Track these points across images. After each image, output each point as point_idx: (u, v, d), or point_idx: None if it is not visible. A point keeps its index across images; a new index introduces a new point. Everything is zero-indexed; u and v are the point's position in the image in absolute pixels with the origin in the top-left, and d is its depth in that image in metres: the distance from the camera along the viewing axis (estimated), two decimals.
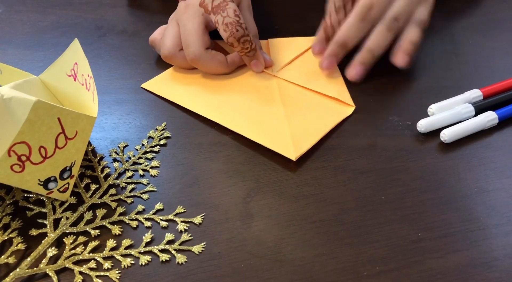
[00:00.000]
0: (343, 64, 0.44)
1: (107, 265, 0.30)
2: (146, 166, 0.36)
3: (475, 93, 0.40)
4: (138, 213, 0.33)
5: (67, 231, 0.32)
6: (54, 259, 0.30)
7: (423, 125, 0.38)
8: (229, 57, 0.43)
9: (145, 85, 0.43)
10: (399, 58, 0.41)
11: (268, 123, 0.39)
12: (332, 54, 0.41)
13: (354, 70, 0.41)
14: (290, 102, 0.41)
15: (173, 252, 0.31)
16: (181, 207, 0.33)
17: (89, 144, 0.38)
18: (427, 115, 0.40)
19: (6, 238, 0.31)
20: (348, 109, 0.41)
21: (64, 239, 0.31)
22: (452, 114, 0.38)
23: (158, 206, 0.33)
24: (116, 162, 0.37)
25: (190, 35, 0.41)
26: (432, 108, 0.39)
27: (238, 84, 0.43)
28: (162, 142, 0.38)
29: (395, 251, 0.31)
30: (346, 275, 0.29)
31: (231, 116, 0.40)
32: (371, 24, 0.41)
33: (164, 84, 0.43)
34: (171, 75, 0.44)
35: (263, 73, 0.44)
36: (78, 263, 0.30)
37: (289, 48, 0.47)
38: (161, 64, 0.46)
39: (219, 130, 0.39)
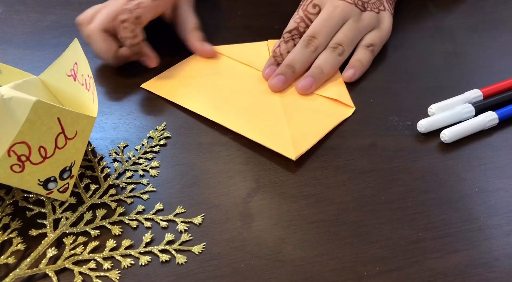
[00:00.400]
0: (342, 67, 0.44)
1: (107, 265, 0.30)
2: (146, 166, 0.36)
3: (475, 93, 0.40)
4: (138, 213, 0.33)
5: (67, 231, 0.32)
6: (54, 260, 0.30)
7: (423, 125, 0.38)
8: (120, 49, 0.44)
9: (145, 85, 0.43)
10: (346, 73, 0.43)
11: (268, 123, 0.39)
12: (280, 73, 0.42)
13: (303, 81, 0.42)
14: (290, 103, 0.41)
15: (173, 252, 0.31)
16: (181, 207, 0.33)
17: (89, 144, 0.38)
18: (427, 115, 0.39)
19: (6, 238, 0.31)
20: (348, 110, 0.41)
21: (64, 239, 0.31)
22: (452, 114, 0.38)
23: (158, 206, 0.33)
24: (116, 162, 0.37)
25: (100, 14, 0.42)
26: (432, 108, 0.39)
27: (239, 84, 0.43)
28: (162, 142, 0.38)
29: (395, 251, 0.31)
30: (346, 275, 0.29)
31: (231, 116, 0.40)
32: (316, 51, 0.43)
33: (164, 84, 0.43)
34: (171, 75, 0.44)
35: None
36: (78, 263, 0.30)
37: None
38: (161, 64, 0.46)
39: (219, 130, 0.39)
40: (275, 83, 0.42)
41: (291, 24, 0.45)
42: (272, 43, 0.47)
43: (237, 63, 0.46)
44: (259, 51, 0.47)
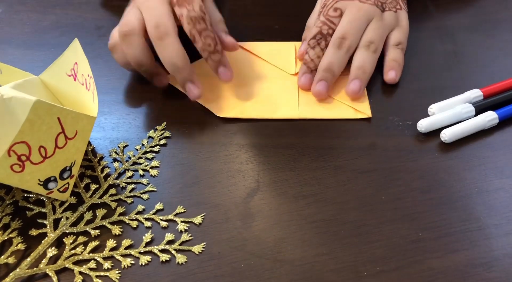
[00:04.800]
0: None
1: (107, 265, 0.30)
2: (146, 166, 0.36)
3: (475, 93, 0.40)
4: (138, 213, 0.33)
5: (67, 231, 0.32)
6: (54, 259, 0.30)
7: (423, 125, 0.38)
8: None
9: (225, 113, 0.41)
10: (387, 76, 0.43)
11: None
12: (321, 79, 0.42)
13: (352, 84, 0.42)
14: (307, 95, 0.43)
15: (173, 252, 0.31)
16: (181, 207, 0.33)
17: (89, 143, 0.38)
18: (427, 115, 0.40)
19: (6, 238, 0.31)
20: (362, 115, 0.41)
21: (64, 239, 0.31)
22: (453, 114, 0.38)
23: (158, 206, 0.33)
24: (116, 162, 0.37)
25: (161, 17, 0.39)
26: (432, 108, 0.39)
27: (267, 80, 0.44)
28: (162, 141, 0.38)
29: (395, 251, 0.31)
30: (346, 275, 0.29)
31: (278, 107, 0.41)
32: (348, 52, 0.43)
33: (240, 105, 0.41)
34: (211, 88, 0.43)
35: (284, 75, 0.45)
36: (78, 263, 0.30)
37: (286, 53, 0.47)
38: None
39: (219, 130, 0.39)
40: (319, 90, 0.41)
41: (314, 30, 0.44)
42: (299, 45, 0.47)
43: (261, 61, 0.46)
44: (286, 52, 0.47)
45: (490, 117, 0.38)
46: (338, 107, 0.41)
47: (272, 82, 0.44)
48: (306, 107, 0.41)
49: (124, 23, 0.40)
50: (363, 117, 0.40)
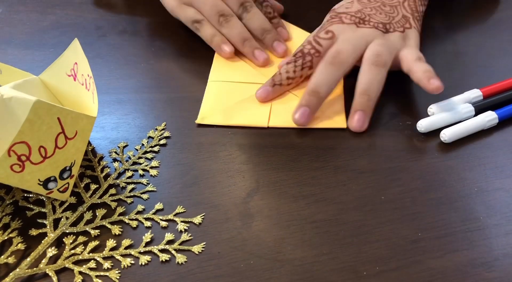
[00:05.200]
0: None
1: (107, 265, 0.30)
2: (146, 165, 0.36)
3: (475, 93, 0.40)
4: (138, 213, 0.33)
5: (67, 231, 0.32)
6: (54, 259, 0.30)
7: (423, 125, 0.38)
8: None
9: (200, 120, 0.40)
10: (430, 84, 0.38)
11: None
12: (303, 105, 0.38)
13: (355, 119, 0.38)
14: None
15: (173, 252, 0.31)
16: (181, 207, 0.33)
17: (89, 143, 0.38)
18: (427, 115, 0.40)
19: (6, 238, 0.31)
20: (336, 124, 0.39)
21: (64, 239, 0.31)
22: (452, 114, 0.38)
23: (158, 206, 0.33)
24: (116, 162, 0.37)
25: (221, 7, 0.45)
26: (432, 108, 0.39)
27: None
28: (162, 141, 0.38)
29: (395, 251, 0.31)
30: (346, 275, 0.29)
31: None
32: (342, 67, 0.39)
33: (218, 112, 0.41)
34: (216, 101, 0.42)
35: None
36: (78, 263, 0.30)
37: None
38: (161, 64, 0.46)
39: (219, 130, 0.39)
40: (299, 118, 0.38)
41: (297, 48, 0.42)
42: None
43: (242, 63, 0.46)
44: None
45: (489, 117, 0.38)
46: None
47: (247, 88, 0.43)
48: (277, 116, 0.40)
49: (217, 12, 0.45)
50: (338, 127, 0.39)
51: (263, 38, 0.46)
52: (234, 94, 0.42)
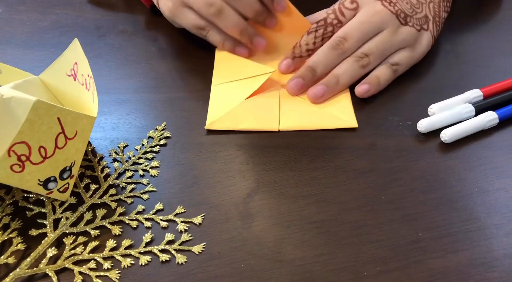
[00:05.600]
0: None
1: (107, 265, 0.30)
2: (146, 166, 0.36)
3: (476, 93, 0.40)
4: (138, 213, 0.33)
5: (67, 231, 0.32)
6: (54, 259, 0.30)
7: (423, 125, 0.38)
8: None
9: (209, 126, 0.39)
10: (359, 87, 0.41)
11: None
12: (299, 76, 0.41)
13: (315, 89, 0.40)
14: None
15: (173, 252, 0.31)
16: (181, 207, 0.33)
17: (89, 143, 0.38)
18: (427, 115, 0.39)
19: (6, 238, 0.31)
20: (347, 124, 0.39)
21: (64, 239, 0.31)
22: (452, 114, 0.38)
23: (158, 206, 0.33)
24: (116, 162, 0.37)
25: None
26: (432, 108, 0.39)
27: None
28: (162, 141, 0.38)
29: (395, 251, 0.31)
30: (346, 275, 0.29)
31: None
32: (342, 55, 0.41)
33: (226, 116, 0.40)
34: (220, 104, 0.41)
35: (270, 82, 0.43)
36: (78, 263, 0.30)
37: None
38: (161, 64, 0.46)
39: (219, 130, 0.39)
40: (292, 87, 0.41)
41: (321, 14, 0.42)
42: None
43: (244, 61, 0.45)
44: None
45: (490, 117, 0.38)
46: (321, 116, 0.40)
47: (252, 83, 0.42)
48: (287, 120, 0.39)
49: (206, 3, 0.41)
50: (349, 127, 0.39)
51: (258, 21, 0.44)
52: (240, 94, 0.41)
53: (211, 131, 0.39)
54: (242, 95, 0.41)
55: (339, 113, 0.40)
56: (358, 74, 0.41)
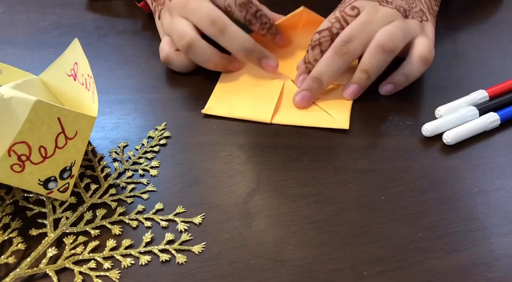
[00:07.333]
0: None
1: (107, 265, 0.30)
2: (146, 165, 0.36)
3: (481, 94, 0.40)
4: (138, 213, 0.33)
5: (67, 231, 0.32)
6: (54, 259, 0.30)
7: (428, 129, 0.37)
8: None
9: (206, 110, 0.41)
10: (382, 87, 0.41)
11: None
12: (305, 89, 0.40)
13: (349, 89, 0.40)
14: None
15: (173, 252, 0.31)
16: (181, 207, 0.33)
17: (89, 143, 0.38)
18: (427, 115, 0.39)
19: (6, 238, 0.31)
20: (339, 125, 0.39)
21: (64, 239, 0.31)
22: (458, 117, 0.38)
23: (158, 206, 0.33)
24: (116, 162, 0.37)
25: (210, 13, 0.40)
26: (440, 110, 0.39)
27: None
28: (162, 141, 0.38)
29: (395, 251, 0.31)
30: (346, 275, 0.29)
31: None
32: (350, 58, 0.39)
33: (224, 103, 0.41)
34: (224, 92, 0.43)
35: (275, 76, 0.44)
36: (78, 263, 0.30)
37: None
38: (161, 64, 0.46)
39: (219, 130, 0.39)
40: (299, 101, 0.40)
41: (325, 24, 0.41)
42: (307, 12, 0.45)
43: None
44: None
45: (492, 118, 0.38)
46: (316, 115, 0.40)
47: (256, 82, 0.43)
48: (281, 114, 0.40)
49: (178, 35, 0.41)
50: (340, 127, 0.39)
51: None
52: (245, 88, 0.43)
53: (211, 131, 0.39)
54: (248, 90, 0.42)
55: (334, 114, 0.40)
56: (385, 63, 0.40)
